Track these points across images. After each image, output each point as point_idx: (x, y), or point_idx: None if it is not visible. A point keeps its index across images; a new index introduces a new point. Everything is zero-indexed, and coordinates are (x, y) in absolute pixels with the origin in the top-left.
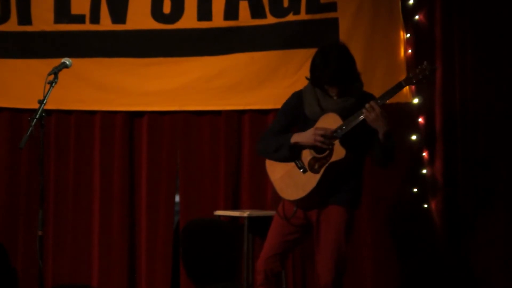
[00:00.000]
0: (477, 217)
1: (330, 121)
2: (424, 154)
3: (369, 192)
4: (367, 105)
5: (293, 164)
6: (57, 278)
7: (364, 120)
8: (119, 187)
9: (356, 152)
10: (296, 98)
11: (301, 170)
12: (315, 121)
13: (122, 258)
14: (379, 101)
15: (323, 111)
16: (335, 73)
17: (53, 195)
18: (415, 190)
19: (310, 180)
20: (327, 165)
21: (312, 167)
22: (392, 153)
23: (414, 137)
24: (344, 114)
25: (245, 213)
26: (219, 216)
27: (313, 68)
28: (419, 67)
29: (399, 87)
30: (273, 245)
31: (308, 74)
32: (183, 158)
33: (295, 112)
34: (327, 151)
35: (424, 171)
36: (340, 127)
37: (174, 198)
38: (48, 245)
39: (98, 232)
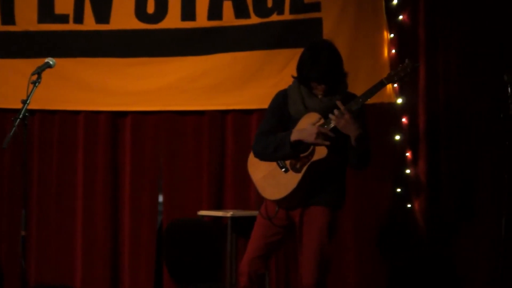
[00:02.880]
0: (460, 217)
1: (312, 121)
2: (407, 154)
3: (353, 192)
4: (336, 112)
5: (275, 164)
6: (40, 278)
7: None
8: (103, 187)
9: (338, 152)
10: (282, 97)
11: (283, 170)
12: (298, 119)
13: (105, 258)
14: (361, 100)
15: (307, 110)
16: (324, 70)
17: (36, 195)
18: (399, 190)
19: (292, 180)
20: (308, 164)
21: (294, 166)
22: (366, 156)
23: (397, 137)
24: (327, 114)
25: (229, 213)
26: (203, 216)
27: (301, 65)
28: (400, 65)
29: (380, 85)
30: (256, 247)
31: (292, 74)
32: (166, 158)
33: (281, 111)
34: (309, 150)
35: (408, 171)
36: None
37: (157, 198)
38: (31, 245)
39: (81, 232)
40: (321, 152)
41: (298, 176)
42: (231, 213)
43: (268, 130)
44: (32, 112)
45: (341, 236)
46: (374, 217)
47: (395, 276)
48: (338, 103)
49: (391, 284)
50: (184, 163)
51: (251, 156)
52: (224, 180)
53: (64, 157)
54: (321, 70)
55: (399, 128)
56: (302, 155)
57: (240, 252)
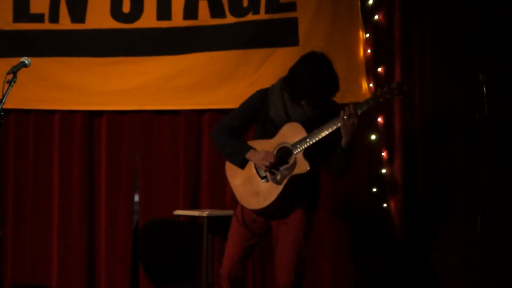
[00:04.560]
0: (436, 216)
1: (294, 132)
2: (383, 154)
3: (329, 191)
4: (347, 111)
5: (254, 171)
6: (16, 278)
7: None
8: (79, 187)
9: (318, 163)
10: (261, 97)
11: (263, 180)
12: (277, 123)
13: (82, 258)
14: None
15: (289, 118)
16: (328, 86)
17: (12, 195)
18: (375, 189)
19: (272, 191)
20: (289, 177)
21: (274, 178)
22: (350, 163)
23: (373, 137)
24: (310, 123)
25: (205, 213)
26: (179, 215)
27: (299, 81)
28: (387, 85)
29: (366, 105)
30: (236, 252)
31: (267, 74)
32: (142, 158)
33: (257, 110)
34: (290, 163)
35: (384, 170)
36: (303, 140)
37: (133, 197)
38: (7, 245)
39: (57, 231)
40: (302, 167)
41: (278, 188)
42: (207, 212)
43: (234, 127)
44: (7, 111)
45: (316, 236)
46: (350, 217)
47: (371, 276)
48: (352, 109)
49: (367, 284)
50: (160, 163)
51: None
52: (200, 179)
53: (40, 157)
54: (324, 84)
55: (375, 128)
56: (283, 167)
57: (217, 252)
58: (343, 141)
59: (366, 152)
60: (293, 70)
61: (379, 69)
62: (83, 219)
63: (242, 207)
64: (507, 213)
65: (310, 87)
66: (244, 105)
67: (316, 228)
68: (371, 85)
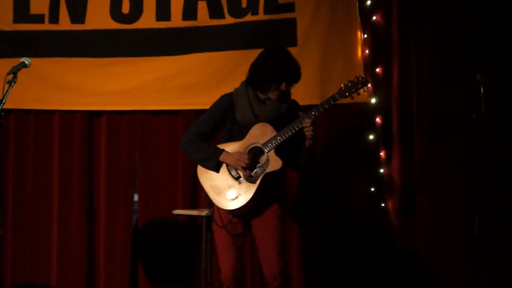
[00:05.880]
0: (434, 216)
1: (264, 132)
2: (381, 153)
3: (327, 190)
4: (307, 121)
5: (227, 173)
6: (16, 277)
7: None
8: (78, 186)
9: (287, 159)
10: (228, 101)
11: (237, 181)
12: (245, 126)
13: (81, 257)
14: (313, 113)
15: (257, 118)
16: (290, 69)
17: (12, 194)
18: (373, 189)
19: (247, 190)
20: (263, 175)
21: (249, 177)
22: (314, 158)
23: (371, 137)
24: (277, 122)
25: (204, 212)
26: (178, 215)
27: (261, 70)
28: (350, 80)
29: (333, 99)
30: (232, 256)
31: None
32: (141, 158)
33: (225, 115)
34: (263, 162)
35: (382, 170)
36: (273, 138)
37: (132, 197)
38: (7, 244)
39: (57, 231)
40: (275, 164)
41: (253, 187)
42: (206, 212)
43: (204, 133)
44: (8, 111)
45: (313, 235)
46: (348, 216)
47: (369, 275)
48: (310, 116)
49: (364, 283)
50: (159, 163)
51: None
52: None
53: (40, 157)
54: (287, 69)
55: (373, 128)
56: (256, 166)
57: (215, 251)
58: (307, 142)
59: (364, 152)
60: (255, 64)
61: (377, 69)
62: (83, 219)
63: (219, 209)
64: (505, 212)
65: (273, 74)
66: (212, 111)
67: (313, 227)
68: (369, 85)
